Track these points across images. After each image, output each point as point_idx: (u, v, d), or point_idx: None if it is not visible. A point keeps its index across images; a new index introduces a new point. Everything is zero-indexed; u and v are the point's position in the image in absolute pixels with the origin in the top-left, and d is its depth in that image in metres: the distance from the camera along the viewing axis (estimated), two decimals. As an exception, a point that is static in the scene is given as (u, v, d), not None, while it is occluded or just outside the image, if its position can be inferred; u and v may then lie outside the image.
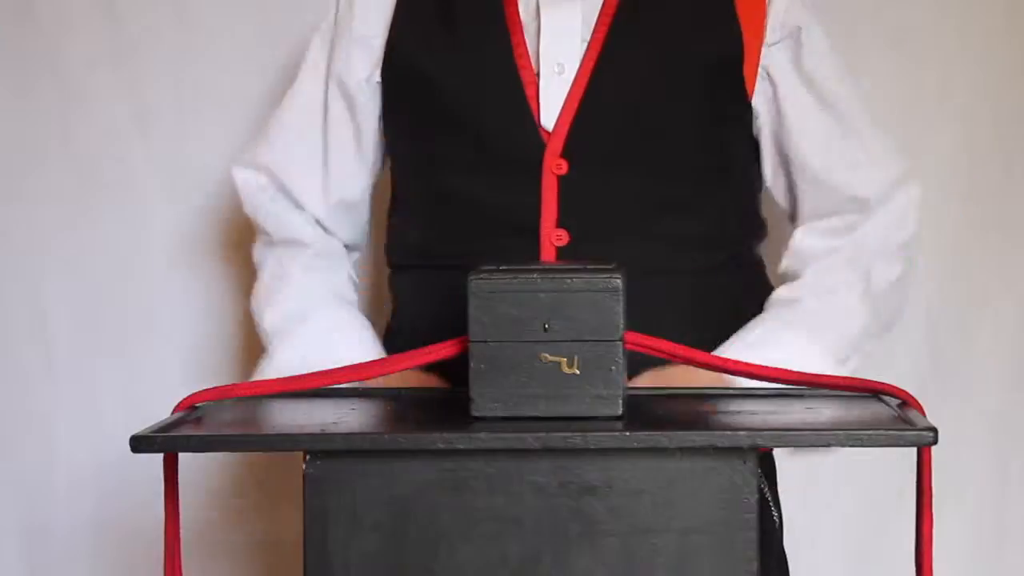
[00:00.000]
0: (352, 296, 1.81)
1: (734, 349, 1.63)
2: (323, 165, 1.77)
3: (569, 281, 1.30)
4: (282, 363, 1.69)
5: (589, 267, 1.33)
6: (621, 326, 1.31)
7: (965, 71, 2.16)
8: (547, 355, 1.28)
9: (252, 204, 1.81)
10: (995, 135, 2.17)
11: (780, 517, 1.74)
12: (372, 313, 2.01)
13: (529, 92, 1.64)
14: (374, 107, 1.75)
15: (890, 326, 1.78)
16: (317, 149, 1.77)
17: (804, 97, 1.71)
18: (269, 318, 1.76)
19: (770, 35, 1.68)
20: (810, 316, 1.68)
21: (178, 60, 2.17)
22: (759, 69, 1.68)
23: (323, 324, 1.73)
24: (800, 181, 1.73)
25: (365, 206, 1.83)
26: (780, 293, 1.73)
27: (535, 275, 1.30)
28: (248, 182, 1.80)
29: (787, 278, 1.75)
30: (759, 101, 1.70)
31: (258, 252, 1.83)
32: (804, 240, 1.73)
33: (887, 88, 2.10)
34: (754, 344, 1.64)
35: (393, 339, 1.75)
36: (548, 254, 1.62)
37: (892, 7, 2.15)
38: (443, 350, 1.38)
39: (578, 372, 1.28)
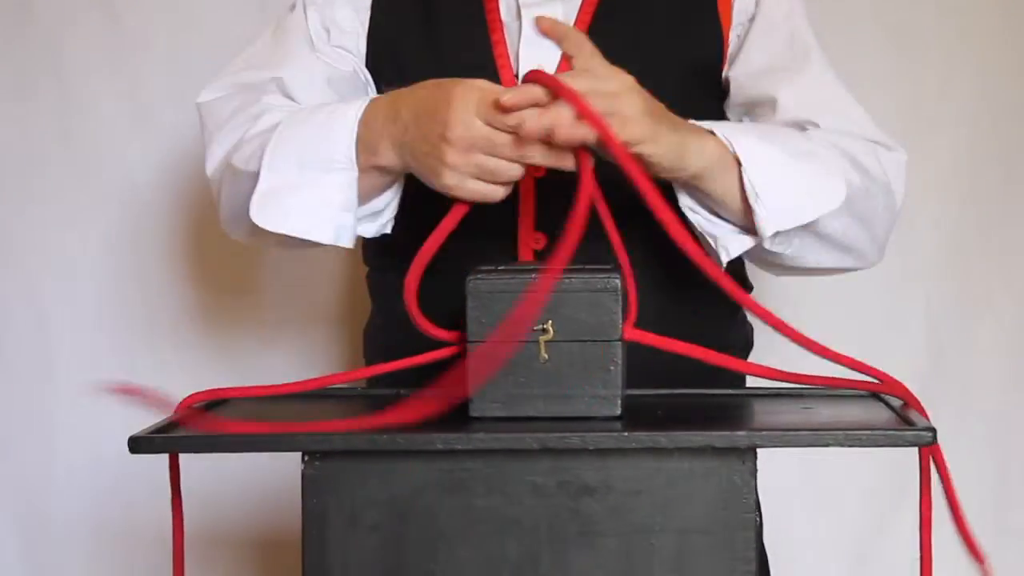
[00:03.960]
0: None
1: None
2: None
3: (568, 281, 1.29)
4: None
5: (588, 267, 1.32)
6: (620, 325, 1.31)
7: (965, 71, 2.17)
8: (546, 355, 1.28)
9: (214, 118, 1.64)
10: (995, 135, 2.17)
11: (761, 517, 1.73)
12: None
13: None
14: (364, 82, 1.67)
15: (869, 217, 1.57)
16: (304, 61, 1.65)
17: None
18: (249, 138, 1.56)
19: (736, 17, 1.62)
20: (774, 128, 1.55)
21: (178, 60, 2.18)
22: (728, 54, 1.63)
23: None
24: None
25: None
26: None
27: (533, 275, 1.29)
28: (215, 100, 1.64)
29: None
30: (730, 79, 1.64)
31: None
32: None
33: (887, 88, 2.10)
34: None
35: (373, 339, 1.73)
36: (526, 258, 1.57)
37: (892, 7, 2.16)
38: (441, 351, 1.38)
39: (576, 372, 1.28)
